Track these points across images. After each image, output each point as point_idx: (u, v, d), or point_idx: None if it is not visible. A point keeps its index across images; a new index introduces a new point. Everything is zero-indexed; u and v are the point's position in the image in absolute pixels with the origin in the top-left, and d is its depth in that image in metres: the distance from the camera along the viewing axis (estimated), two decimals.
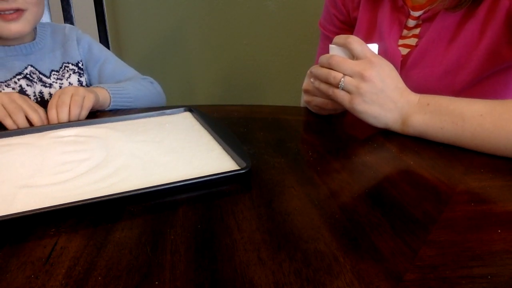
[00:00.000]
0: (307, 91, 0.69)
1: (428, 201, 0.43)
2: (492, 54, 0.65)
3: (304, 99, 0.71)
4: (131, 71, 0.94)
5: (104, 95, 0.76)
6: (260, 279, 0.31)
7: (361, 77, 0.57)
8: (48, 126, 0.63)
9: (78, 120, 0.67)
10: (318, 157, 0.54)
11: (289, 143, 0.59)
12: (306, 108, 0.74)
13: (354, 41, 0.59)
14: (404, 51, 0.74)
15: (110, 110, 0.78)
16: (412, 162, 0.52)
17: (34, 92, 0.81)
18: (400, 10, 0.74)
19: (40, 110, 0.67)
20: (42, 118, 0.66)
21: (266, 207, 0.42)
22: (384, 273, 0.32)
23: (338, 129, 0.67)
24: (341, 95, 0.59)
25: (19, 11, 0.75)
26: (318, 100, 0.67)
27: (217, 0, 1.70)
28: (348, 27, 0.85)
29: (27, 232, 0.38)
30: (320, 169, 0.50)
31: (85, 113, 0.69)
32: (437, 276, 0.32)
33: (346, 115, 0.71)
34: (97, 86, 0.79)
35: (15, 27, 0.76)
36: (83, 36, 0.92)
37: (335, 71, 0.59)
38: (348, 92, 0.58)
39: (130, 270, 0.33)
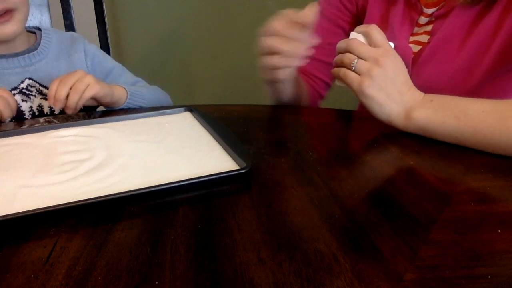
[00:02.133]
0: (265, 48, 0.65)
1: (428, 201, 0.43)
2: (505, 53, 0.65)
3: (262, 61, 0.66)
4: (141, 81, 0.93)
5: (120, 92, 0.76)
6: (260, 279, 0.31)
7: (376, 61, 0.57)
8: (48, 126, 0.62)
9: (76, 115, 0.67)
10: (318, 157, 0.54)
11: (289, 143, 0.59)
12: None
13: (376, 30, 0.59)
14: (415, 48, 0.74)
15: (113, 110, 0.78)
16: (412, 162, 0.52)
17: (31, 107, 0.78)
18: (412, 7, 0.74)
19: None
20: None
21: (266, 207, 0.42)
22: (384, 273, 0.32)
23: (338, 129, 0.67)
24: (351, 76, 0.59)
25: (9, 12, 0.73)
26: (274, 59, 0.63)
27: (217, 0, 1.70)
28: (353, 16, 0.84)
29: (27, 232, 0.38)
30: (320, 169, 0.50)
31: (82, 102, 0.68)
32: (437, 276, 0.32)
33: (346, 115, 0.71)
34: (115, 84, 0.78)
35: (9, 29, 0.74)
36: (90, 48, 0.89)
37: (350, 53, 0.59)
38: (359, 74, 0.58)
39: (130, 270, 0.33)
